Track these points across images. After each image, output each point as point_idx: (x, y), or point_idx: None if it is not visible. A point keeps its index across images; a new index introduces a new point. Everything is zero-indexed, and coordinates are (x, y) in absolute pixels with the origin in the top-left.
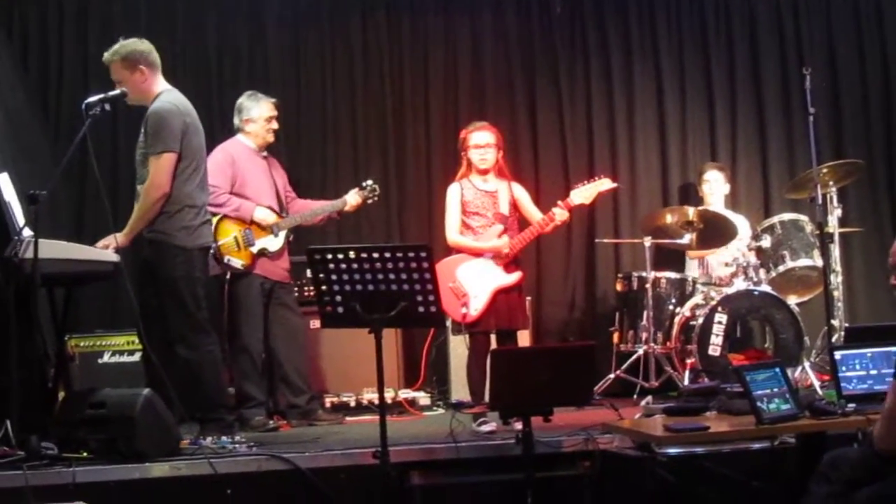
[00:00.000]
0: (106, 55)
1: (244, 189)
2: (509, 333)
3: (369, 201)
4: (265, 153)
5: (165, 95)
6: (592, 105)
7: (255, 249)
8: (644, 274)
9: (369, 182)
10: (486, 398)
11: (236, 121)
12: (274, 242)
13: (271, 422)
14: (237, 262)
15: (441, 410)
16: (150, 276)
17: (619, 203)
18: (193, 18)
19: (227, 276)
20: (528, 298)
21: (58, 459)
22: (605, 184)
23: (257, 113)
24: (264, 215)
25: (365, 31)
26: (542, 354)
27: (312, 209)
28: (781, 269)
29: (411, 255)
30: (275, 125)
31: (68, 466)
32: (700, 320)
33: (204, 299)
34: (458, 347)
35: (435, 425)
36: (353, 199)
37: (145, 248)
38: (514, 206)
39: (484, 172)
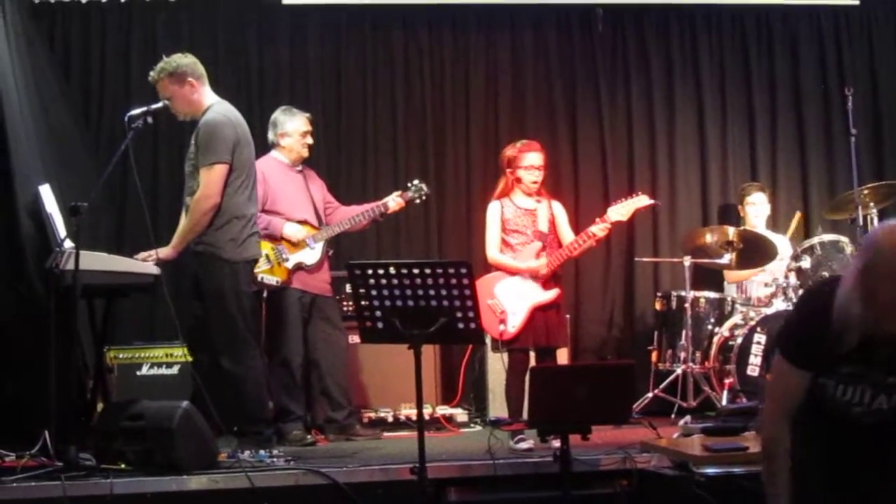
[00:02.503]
0: (152, 74)
1: (276, 205)
2: (548, 351)
3: (416, 202)
4: (300, 167)
5: (217, 107)
6: (633, 124)
7: (289, 265)
8: (683, 293)
9: (415, 182)
10: (525, 415)
11: (271, 135)
12: (310, 255)
13: (309, 436)
14: (272, 280)
15: (479, 427)
16: (197, 288)
17: (658, 222)
18: (235, 32)
19: (265, 293)
20: (567, 316)
21: (95, 470)
22: (642, 200)
23: (292, 127)
24: (293, 231)
25: (406, 47)
26: (581, 372)
27: (352, 216)
28: None
29: (452, 271)
30: (309, 140)
31: (106, 477)
32: (739, 340)
33: (249, 312)
34: (497, 364)
35: (472, 442)
36: (393, 203)
37: (193, 260)
38: (553, 223)
39: (532, 193)
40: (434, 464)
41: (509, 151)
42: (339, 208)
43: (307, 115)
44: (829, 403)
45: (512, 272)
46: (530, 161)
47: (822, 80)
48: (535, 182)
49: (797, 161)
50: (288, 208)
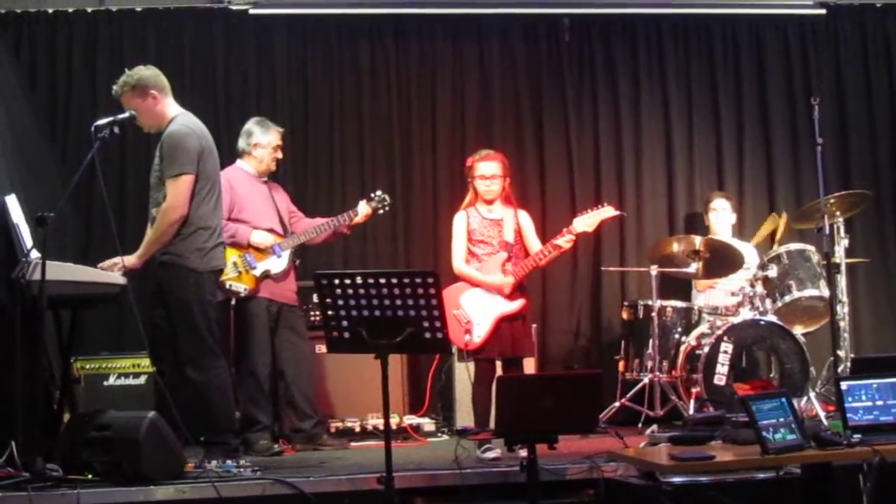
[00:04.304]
0: (115, 89)
1: (242, 214)
2: (514, 361)
3: (379, 212)
4: (265, 178)
5: (181, 118)
6: (599, 133)
7: (257, 273)
8: (650, 302)
9: (378, 193)
10: (492, 425)
11: (242, 144)
12: (277, 263)
13: (276, 446)
14: (240, 287)
15: (446, 437)
16: (161, 298)
17: (625, 231)
18: (202, 41)
19: (233, 301)
20: (534, 326)
21: (62, 481)
22: (607, 211)
23: (267, 140)
24: (261, 238)
25: (373, 56)
26: (547, 382)
27: (318, 225)
28: (788, 299)
29: (418, 281)
30: (280, 154)
31: (73, 488)
32: (706, 349)
33: (215, 322)
34: (464, 374)
35: (439, 451)
36: (363, 209)
37: (157, 270)
38: (520, 233)
39: (489, 202)
40: (401, 473)
41: (468, 161)
42: (303, 219)
43: (280, 129)
44: None
45: (476, 285)
46: (482, 171)
47: (788, 90)
48: (488, 191)
49: (764, 170)
50: (254, 216)
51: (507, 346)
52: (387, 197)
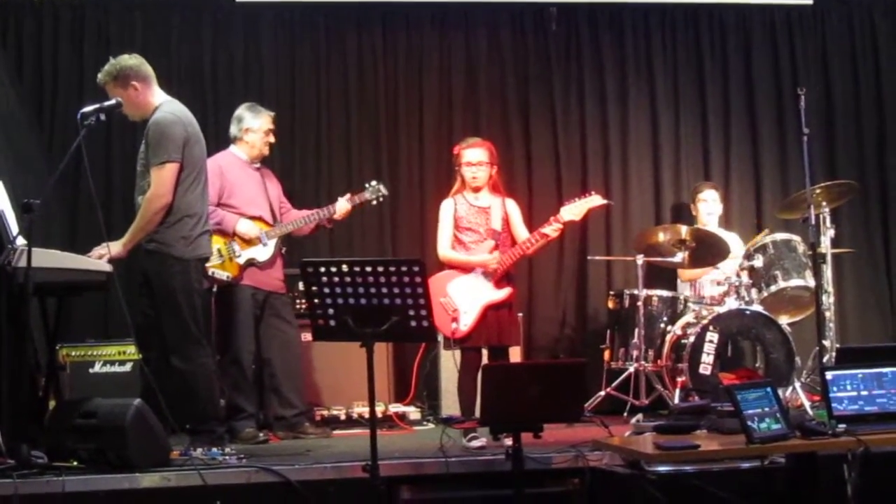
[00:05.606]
0: (99, 77)
1: (232, 199)
2: (500, 349)
3: (373, 203)
4: (258, 164)
5: (166, 106)
6: (586, 122)
7: (241, 261)
8: (636, 292)
9: (372, 182)
10: (477, 413)
11: (234, 130)
12: (262, 252)
13: (261, 434)
14: (223, 275)
15: (431, 425)
16: (147, 287)
17: (611, 220)
18: (189, 31)
19: (215, 288)
20: (520, 315)
21: (47, 468)
22: (595, 200)
23: (258, 125)
24: (247, 228)
25: (360, 46)
26: (533, 371)
27: (302, 216)
28: (773, 288)
29: (404, 269)
30: (272, 138)
31: (58, 476)
32: (691, 339)
33: (200, 311)
34: (449, 362)
35: (425, 440)
36: (342, 206)
37: (143, 259)
38: (507, 221)
39: (476, 189)
40: (386, 462)
41: (455, 149)
42: (291, 211)
43: (271, 113)
44: None
45: (462, 267)
46: (468, 158)
47: (775, 80)
48: (473, 178)
49: (750, 160)
50: (243, 203)
51: (494, 334)
52: (381, 187)
